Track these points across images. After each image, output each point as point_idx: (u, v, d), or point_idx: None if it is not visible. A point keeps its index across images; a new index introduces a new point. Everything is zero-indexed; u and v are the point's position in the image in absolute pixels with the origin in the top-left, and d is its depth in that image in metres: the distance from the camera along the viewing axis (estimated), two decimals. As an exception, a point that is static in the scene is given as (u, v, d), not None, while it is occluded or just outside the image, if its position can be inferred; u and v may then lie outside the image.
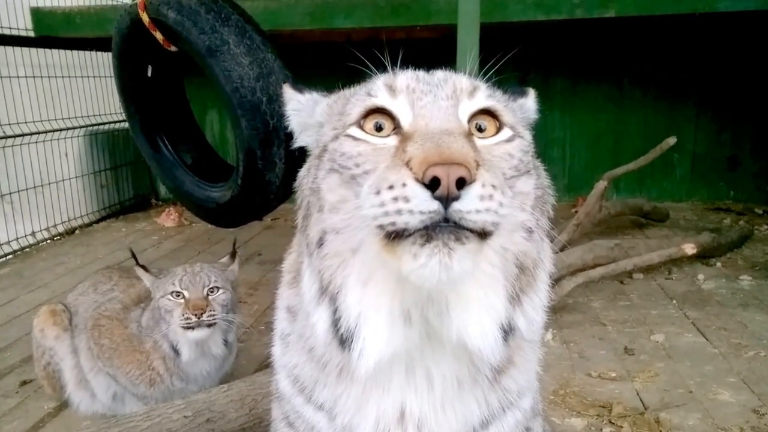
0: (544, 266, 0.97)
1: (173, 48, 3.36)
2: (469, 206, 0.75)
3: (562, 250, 3.58)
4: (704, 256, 3.85)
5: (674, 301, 3.32)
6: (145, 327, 2.24)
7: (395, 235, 0.77)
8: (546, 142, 5.64)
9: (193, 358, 2.21)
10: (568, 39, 5.29)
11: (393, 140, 0.88)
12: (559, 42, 5.34)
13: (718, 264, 3.86)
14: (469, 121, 0.92)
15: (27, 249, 4.61)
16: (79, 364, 2.37)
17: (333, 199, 0.89)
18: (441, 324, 0.89)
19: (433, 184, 0.75)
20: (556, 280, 3.17)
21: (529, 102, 1.13)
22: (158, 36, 3.29)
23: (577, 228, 3.81)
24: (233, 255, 2.39)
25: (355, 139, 0.90)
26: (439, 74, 0.96)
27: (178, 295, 2.16)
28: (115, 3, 5.44)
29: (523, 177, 0.91)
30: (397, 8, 4.40)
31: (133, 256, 2.35)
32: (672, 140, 3.96)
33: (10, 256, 4.45)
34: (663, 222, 4.75)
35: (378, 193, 0.77)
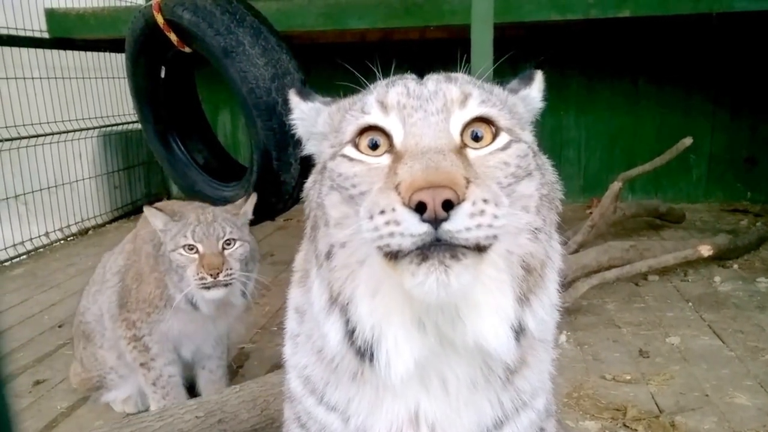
0: (553, 264, 0.96)
1: (187, 49, 3.37)
2: (459, 225, 0.77)
3: (576, 251, 3.55)
4: (721, 257, 3.80)
5: (690, 304, 3.28)
6: (161, 252, 2.14)
7: (393, 255, 0.80)
8: (561, 142, 5.60)
9: (212, 310, 2.13)
10: (584, 38, 5.25)
11: (386, 159, 0.89)
12: (575, 41, 5.30)
13: (735, 266, 3.81)
14: (463, 131, 0.91)
15: (41, 249, 4.65)
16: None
17: (336, 215, 0.91)
18: (454, 330, 0.91)
19: (420, 208, 0.76)
20: (570, 282, 3.14)
21: (534, 91, 1.09)
22: (173, 37, 3.30)
23: (591, 229, 3.77)
24: (247, 198, 2.26)
25: (350, 159, 0.91)
26: (431, 85, 0.95)
27: (192, 249, 2.03)
28: (128, 4, 5.48)
29: (524, 180, 0.91)
30: (410, 8, 4.39)
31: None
32: (688, 141, 3.92)
33: (24, 256, 4.48)
34: (679, 223, 4.70)
35: (371, 217, 0.79)
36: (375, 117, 0.92)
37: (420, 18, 4.40)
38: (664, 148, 4.19)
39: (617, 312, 3.20)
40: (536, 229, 0.91)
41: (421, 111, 0.91)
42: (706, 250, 3.38)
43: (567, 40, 5.29)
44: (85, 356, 2.45)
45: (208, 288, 2.01)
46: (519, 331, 0.91)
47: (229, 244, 2.06)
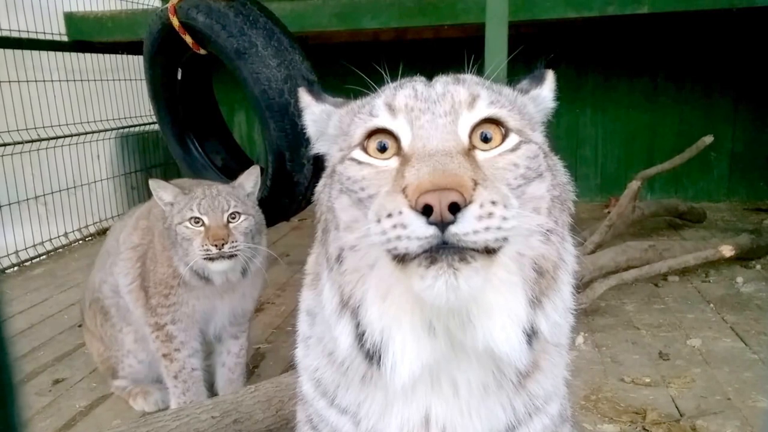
0: (566, 266, 0.95)
1: (202, 51, 3.39)
2: (466, 228, 0.76)
3: (593, 251, 3.50)
4: (743, 258, 3.73)
5: (711, 305, 3.22)
6: (166, 225, 2.17)
7: (401, 258, 0.80)
8: (578, 140, 5.53)
9: (223, 281, 2.16)
10: (601, 34, 5.19)
11: (394, 162, 0.89)
12: (591, 38, 5.24)
13: (758, 266, 3.73)
14: (472, 132, 0.90)
15: (60, 249, 4.70)
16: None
17: (346, 218, 0.91)
18: (464, 333, 0.89)
19: (426, 211, 0.76)
20: (587, 283, 3.10)
21: (544, 91, 1.08)
22: (188, 39, 3.32)
23: (609, 229, 3.72)
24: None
25: (359, 162, 0.92)
26: (439, 87, 0.94)
27: (197, 222, 2.06)
28: (145, 7, 5.53)
29: (534, 182, 0.90)
30: (424, 8, 4.37)
31: (147, 171, 2.26)
32: (708, 138, 3.86)
33: (44, 256, 4.54)
34: (700, 223, 4.62)
35: (379, 221, 0.79)
36: (383, 120, 0.92)
37: (434, 17, 4.38)
38: (684, 146, 4.12)
39: (636, 313, 3.16)
40: (548, 230, 0.89)
41: (429, 113, 0.90)
42: (727, 251, 3.32)
43: (584, 38, 5.23)
44: (105, 334, 2.45)
45: (213, 259, 2.05)
46: (531, 335, 0.90)
47: (234, 218, 2.09)
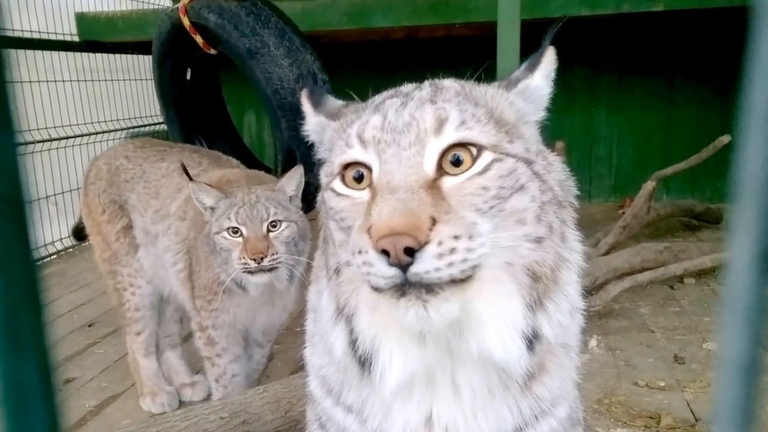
0: (569, 265, 0.93)
1: (213, 51, 3.38)
2: (426, 267, 0.78)
3: (607, 252, 3.46)
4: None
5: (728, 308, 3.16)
6: (204, 232, 2.11)
7: (376, 289, 0.83)
8: (592, 140, 5.48)
9: (261, 292, 2.09)
10: (616, 32, 5.13)
11: (367, 194, 0.90)
12: (606, 36, 5.19)
13: (775, 268, 3.67)
14: (441, 158, 0.87)
15: (70, 249, 4.72)
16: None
17: (338, 238, 0.94)
18: (458, 342, 0.90)
19: (386, 253, 0.78)
20: (600, 285, 3.06)
21: (535, 80, 0.99)
22: (198, 39, 3.32)
23: (623, 230, 3.67)
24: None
25: (338, 194, 0.93)
26: (406, 114, 0.90)
27: (236, 232, 1.95)
28: (157, 7, 5.54)
29: (513, 197, 0.86)
30: (435, 6, 4.34)
31: (185, 170, 2.08)
32: (726, 138, 3.80)
33: (54, 256, 4.56)
34: (716, 224, 4.55)
35: (353, 255, 0.83)
36: (356, 152, 0.92)
37: (445, 15, 4.35)
38: (701, 146, 4.07)
39: (651, 316, 3.11)
40: (539, 237, 0.88)
41: (395, 146, 0.88)
42: (744, 252, 3.26)
43: (598, 37, 5.18)
44: (112, 236, 2.43)
45: (252, 273, 1.95)
46: (533, 339, 0.89)
47: (274, 226, 1.98)
